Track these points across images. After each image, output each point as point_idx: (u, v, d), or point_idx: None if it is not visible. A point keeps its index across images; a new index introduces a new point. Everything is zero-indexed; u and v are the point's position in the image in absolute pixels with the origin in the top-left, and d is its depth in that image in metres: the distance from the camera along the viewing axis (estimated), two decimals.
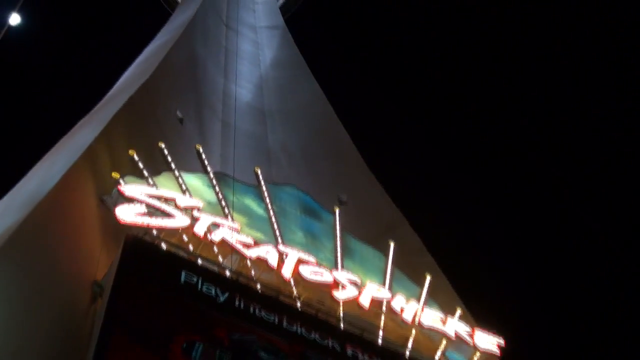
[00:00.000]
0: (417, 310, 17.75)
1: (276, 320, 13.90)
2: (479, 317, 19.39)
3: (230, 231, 15.88)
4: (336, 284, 16.87)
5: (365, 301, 16.98)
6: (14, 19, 12.55)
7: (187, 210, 15.54)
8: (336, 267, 17.59)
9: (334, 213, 19.50)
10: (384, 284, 18.06)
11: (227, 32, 32.97)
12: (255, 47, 34.27)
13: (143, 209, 14.51)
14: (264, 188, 18.84)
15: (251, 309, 13.66)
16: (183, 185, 16.55)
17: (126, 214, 14.14)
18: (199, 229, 15.31)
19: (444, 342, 17.71)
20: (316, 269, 16.79)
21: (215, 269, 15.03)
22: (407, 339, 17.11)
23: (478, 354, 17.94)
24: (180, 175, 16.82)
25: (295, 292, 16.09)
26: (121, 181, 14.84)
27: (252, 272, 15.90)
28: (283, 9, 44.92)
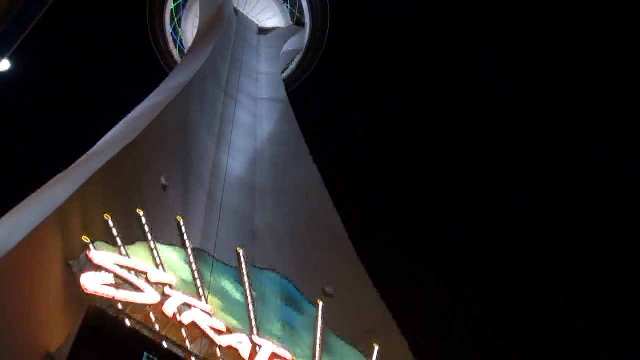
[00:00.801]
0: None
1: None
2: None
3: (202, 313, 15.78)
4: None
5: None
6: (4, 65, 12.90)
7: (159, 286, 15.50)
8: None
9: (318, 305, 19.39)
10: None
11: (225, 99, 33.68)
12: (253, 119, 34.94)
13: (111, 278, 14.48)
14: (244, 270, 18.80)
15: None
16: (158, 258, 16.54)
17: (92, 282, 14.10)
18: (169, 308, 15.22)
19: None
20: None
21: (182, 353, 14.84)
22: None
23: None
24: (156, 246, 16.83)
25: None
26: (91, 246, 14.85)
27: None
28: (287, 82, 46.20)
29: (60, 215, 15.15)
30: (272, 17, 64.13)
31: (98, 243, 15.16)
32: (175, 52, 68.53)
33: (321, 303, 19.48)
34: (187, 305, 15.70)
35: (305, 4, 65.06)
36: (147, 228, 17.11)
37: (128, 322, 14.23)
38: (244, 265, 18.98)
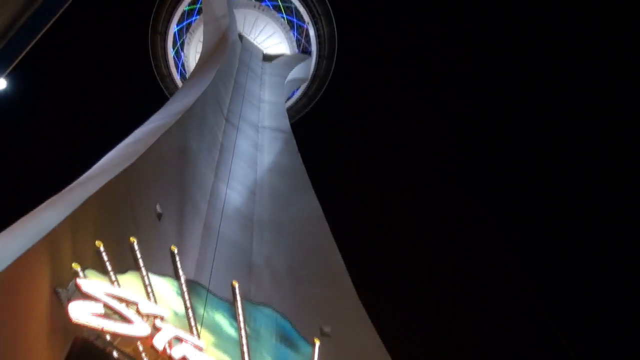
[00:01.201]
0: None
1: None
2: None
3: (194, 349, 15.71)
4: None
5: None
6: (0, 84, 13.08)
7: (149, 318, 15.46)
8: None
9: (314, 345, 19.31)
10: None
11: (226, 127, 33.91)
12: (254, 148, 35.12)
13: (100, 309, 14.45)
14: (239, 305, 18.78)
15: None
16: (149, 289, 16.54)
17: (80, 312, 14.06)
18: (159, 342, 15.16)
19: None
20: None
21: None
22: None
23: None
24: (148, 277, 16.84)
25: None
26: (81, 274, 14.85)
27: None
28: (291, 111, 46.50)
29: (50, 241, 15.16)
30: (277, 45, 64.80)
31: (88, 271, 15.16)
32: (177, 77, 69.15)
33: (318, 343, 19.40)
34: (178, 340, 15.64)
35: (312, 32, 65.81)
36: (139, 258, 17.14)
37: (115, 355, 14.18)
38: (238, 300, 18.95)
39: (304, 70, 64.53)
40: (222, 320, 18.21)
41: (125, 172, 19.91)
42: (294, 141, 38.00)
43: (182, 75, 69.18)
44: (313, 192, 31.32)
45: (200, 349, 15.94)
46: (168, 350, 15.26)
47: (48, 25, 12.97)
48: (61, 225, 15.73)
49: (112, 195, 18.78)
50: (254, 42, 60.40)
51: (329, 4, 65.51)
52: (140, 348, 15.07)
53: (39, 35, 12.49)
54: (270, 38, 64.68)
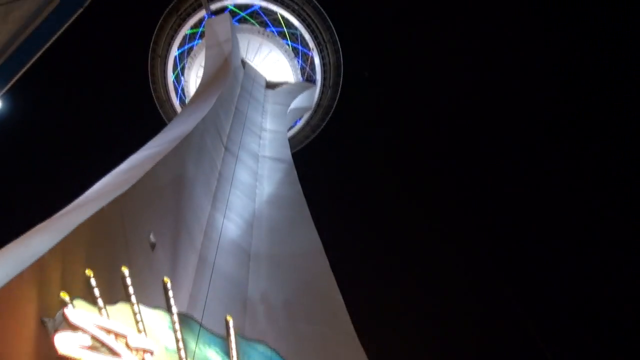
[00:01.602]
0: None
1: None
2: None
3: None
4: None
5: None
6: None
7: (139, 352, 15.42)
8: None
9: None
10: None
11: (225, 156, 34.06)
12: (253, 178, 35.24)
13: (88, 341, 14.42)
14: (232, 341, 18.70)
15: None
16: (140, 321, 16.51)
17: (67, 343, 14.03)
18: None
19: None
20: None
21: None
22: None
23: None
24: (139, 309, 16.80)
25: None
26: (69, 304, 14.85)
27: None
28: (293, 141, 46.75)
29: (38, 269, 15.18)
30: (281, 72, 65.31)
31: (76, 301, 15.15)
32: (176, 102, 69.59)
33: None
34: None
35: (317, 60, 66.39)
36: (130, 289, 17.12)
37: None
38: (232, 335, 18.88)
39: (308, 99, 64.98)
40: (214, 356, 18.13)
41: (118, 199, 19.96)
42: (295, 172, 38.16)
43: (182, 101, 69.67)
44: (313, 225, 31.37)
45: None
46: None
47: (45, 47, 13.20)
48: (50, 252, 15.74)
49: (104, 223, 18.80)
50: (257, 69, 60.88)
51: (335, 32, 66.19)
52: None
53: (37, 56, 12.71)
54: (274, 65, 65.23)
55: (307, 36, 66.22)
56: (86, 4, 15.20)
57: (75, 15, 15.46)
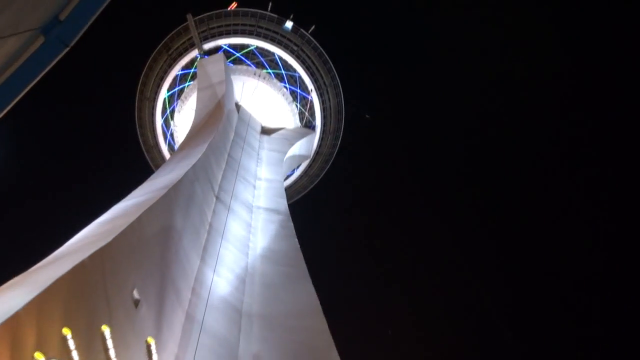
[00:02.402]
0: None
1: None
2: None
3: None
4: None
5: None
6: None
7: None
8: None
9: None
10: None
11: (216, 206, 34.13)
12: (246, 231, 35.25)
13: None
14: None
15: None
16: None
17: None
18: None
19: None
20: None
21: None
22: None
23: None
24: None
25: None
26: None
27: None
28: (289, 191, 46.84)
29: (12, 326, 15.11)
30: (278, 116, 65.69)
31: None
32: (164, 148, 69.91)
33: None
34: None
35: (317, 105, 66.88)
36: (111, 351, 17.03)
37: None
38: None
39: (307, 146, 65.29)
40: None
41: (100, 252, 19.91)
42: (292, 224, 38.19)
43: (171, 146, 70.00)
44: (310, 282, 31.26)
45: None
46: None
47: (28, 88, 13.44)
48: (25, 308, 15.68)
49: (84, 277, 18.75)
50: (252, 113, 61.25)
51: (336, 74, 66.83)
52: None
53: (18, 98, 12.94)
54: (271, 109, 65.60)
55: (306, 78, 66.89)
56: (72, 43, 15.44)
57: (61, 56, 15.71)
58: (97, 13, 16.28)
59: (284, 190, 46.54)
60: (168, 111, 69.58)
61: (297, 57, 66.75)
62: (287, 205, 41.79)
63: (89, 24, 16.12)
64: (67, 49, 15.69)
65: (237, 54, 66.68)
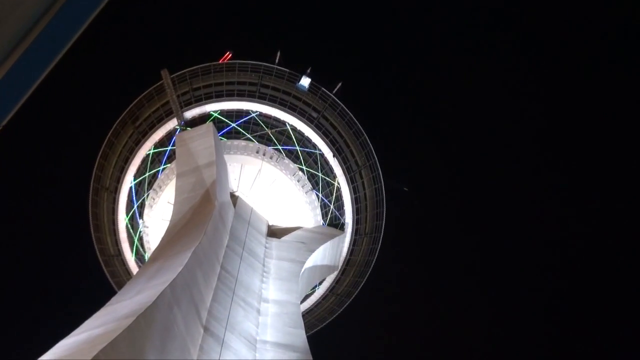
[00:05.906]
0: None
1: None
2: None
3: None
4: None
5: None
6: None
7: None
8: None
9: None
10: None
11: (204, 340, 33.90)
12: None
13: None
14: None
15: None
16: None
17: None
18: None
19: None
20: None
21: None
22: None
23: None
24: None
25: None
26: None
27: None
28: (309, 317, 46.44)
29: None
30: (291, 211, 65.37)
31: None
32: (130, 258, 69.78)
33: None
34: None
35: (346, 194, 66.52)
36: None
37: None
38: None
39: (332, 252, 64.58)
40: None
41: None
42: None
43: (139, 255, 69.87)
44: None
45: None
46: None
47: None
48: None
49: None
50: (255, 207, 61.05)
51: (373, 151, 66.47)
52: None
53: None
54: (281, 201, 65.20)
55: (329, 157, 65.92)
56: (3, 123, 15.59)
57: None
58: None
59: (300, 316, 46.10)
60: (135, 206, 69.39)
61: (318, 128, 65.83)
62: (305, 339, 41.35)
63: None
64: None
65: (233, 124, 66.31)
